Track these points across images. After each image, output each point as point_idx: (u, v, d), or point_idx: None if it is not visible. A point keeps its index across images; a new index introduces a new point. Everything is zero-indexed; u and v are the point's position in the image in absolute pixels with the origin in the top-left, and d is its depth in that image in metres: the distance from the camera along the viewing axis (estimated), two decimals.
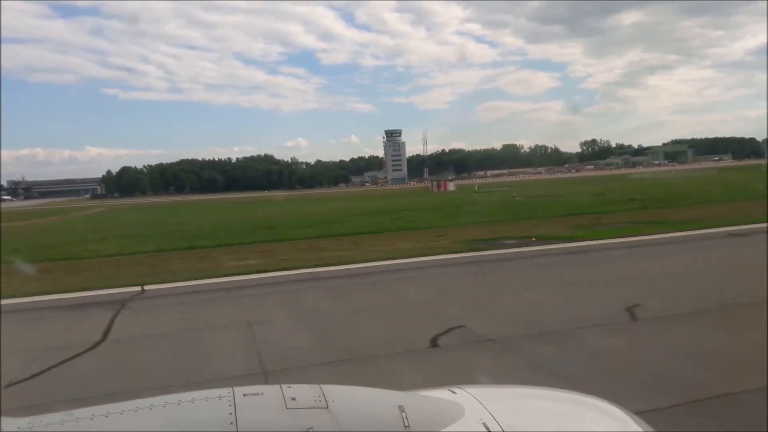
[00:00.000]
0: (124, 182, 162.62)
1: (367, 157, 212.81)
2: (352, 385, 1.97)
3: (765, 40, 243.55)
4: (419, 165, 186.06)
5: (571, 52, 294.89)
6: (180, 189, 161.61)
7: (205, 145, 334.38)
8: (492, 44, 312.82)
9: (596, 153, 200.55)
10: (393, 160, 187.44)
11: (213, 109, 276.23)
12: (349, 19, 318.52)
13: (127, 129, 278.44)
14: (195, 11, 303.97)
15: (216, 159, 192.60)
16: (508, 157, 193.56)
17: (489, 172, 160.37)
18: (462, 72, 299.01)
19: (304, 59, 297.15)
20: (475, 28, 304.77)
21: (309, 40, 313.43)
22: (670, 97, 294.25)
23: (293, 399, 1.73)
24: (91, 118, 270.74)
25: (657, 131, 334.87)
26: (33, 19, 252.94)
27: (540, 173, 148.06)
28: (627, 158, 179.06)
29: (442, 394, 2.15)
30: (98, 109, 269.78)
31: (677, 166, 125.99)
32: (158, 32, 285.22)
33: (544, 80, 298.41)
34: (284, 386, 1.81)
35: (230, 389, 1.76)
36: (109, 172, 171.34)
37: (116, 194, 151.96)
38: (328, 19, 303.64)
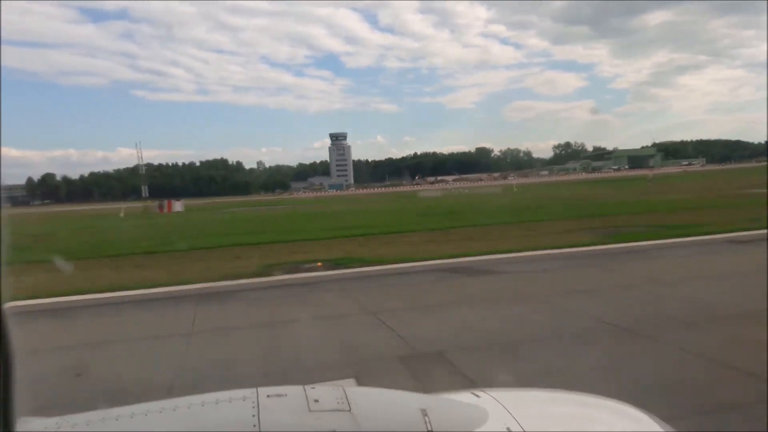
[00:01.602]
0: (46, 189, 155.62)
1: (319, 162, 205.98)
2: (375, 387, 1.98)
3: None
4: (383, 168, 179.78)
5: (597, 53, 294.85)
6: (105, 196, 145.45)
7: (233, 146, 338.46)
8: (517, 46, 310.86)
9: (569, 156, 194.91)
10: (338, 165, 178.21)
11: (240, 110, 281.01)
12: (372, 21, 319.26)
13: (157, 130, 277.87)
14: (221, 14, 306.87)
15: (179, 164, 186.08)
16: (481, 161, 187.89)
17: (440, 177, 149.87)
18: (488, 73, 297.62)
19: (329, 62, 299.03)
20: (500, 29, 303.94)
21: (333, 44, 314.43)
22: (701, 97, 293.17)
23: (316, 401, 1.74)
24: (121, 119, 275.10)
25: (691, 130, 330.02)
26: (63, 24, 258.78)
27: (494, 179, 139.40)
28: (587, 163, 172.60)
29: (465, 397, 2.14)
30: (128, 110, 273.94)
31: (626, 171, 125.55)
32: (186, 36, 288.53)
33: (572, 80, 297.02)
34: (307, 387, 1.82)
35: (254, 390, 1.78)
36: (30, 178, 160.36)
37: (44, 201, 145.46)
38: (351, 21, 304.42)
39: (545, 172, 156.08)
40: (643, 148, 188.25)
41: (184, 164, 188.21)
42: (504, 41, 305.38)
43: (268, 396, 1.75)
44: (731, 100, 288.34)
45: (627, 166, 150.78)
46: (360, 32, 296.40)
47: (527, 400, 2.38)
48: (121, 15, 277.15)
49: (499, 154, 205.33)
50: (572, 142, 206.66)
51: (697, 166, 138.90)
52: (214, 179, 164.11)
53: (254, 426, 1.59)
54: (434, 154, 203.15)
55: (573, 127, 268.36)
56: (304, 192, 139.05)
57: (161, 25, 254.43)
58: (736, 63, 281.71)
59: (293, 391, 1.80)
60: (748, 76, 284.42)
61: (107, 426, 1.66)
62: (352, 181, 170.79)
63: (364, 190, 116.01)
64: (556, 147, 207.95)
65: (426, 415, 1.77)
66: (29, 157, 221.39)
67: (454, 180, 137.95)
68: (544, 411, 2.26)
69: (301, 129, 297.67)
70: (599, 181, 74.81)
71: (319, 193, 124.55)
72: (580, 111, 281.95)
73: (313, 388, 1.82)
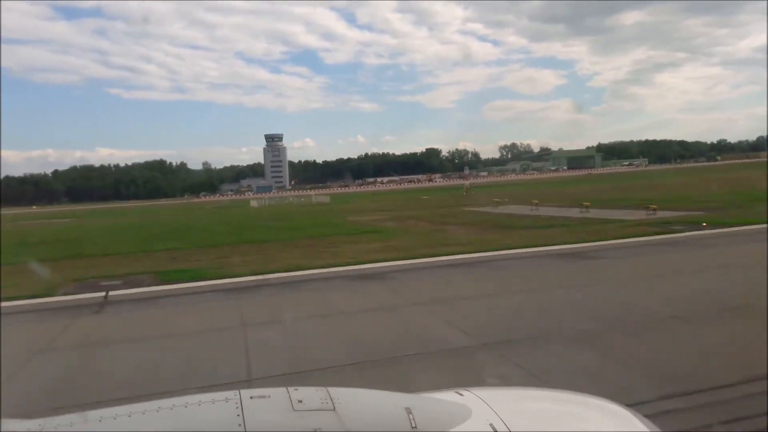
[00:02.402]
0: None
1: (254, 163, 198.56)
2: (359, 388, 1.98)
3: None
4: (326, 170, 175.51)
5: (576, 50, 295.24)
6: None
7: (213, 145, 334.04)
8: (495, 43, 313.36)
9: (514, 157, 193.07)
10: (272, 167, 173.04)
11: (218, 108, 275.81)
12: (350, 19, 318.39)
13: (135, 129, 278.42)
14: (197, 12, 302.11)
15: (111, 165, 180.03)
16: (430, 162, 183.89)
17: (381, 179, 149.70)
18: (467, 70, 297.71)
19: (307, 58, 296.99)
20: (478, 27, 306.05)
21: (311, 40, 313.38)
22: (679, 95, 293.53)
23: (300, 401, 1.74)
24: (98, 118, 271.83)
25: (666, 129, 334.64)
26: (35, 20, 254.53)
27: (433, 180, 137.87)
28: (527, 163, 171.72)
29: (449, 396, 2.15)
30: (103, 109, 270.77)
31: (567, 171, 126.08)
32: (161, 33, 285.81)
33: (551, 78, 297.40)
34: (291, 389, 1.82)
35: (237, 392, 1.78)
36: None
37: None
38: (329, 19, 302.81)
39: (484, 174, 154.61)
40: (587, 149, 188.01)
41: (117, 166, 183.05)
42: (482, 39, 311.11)
43: (251, 397, 1.75)
44: (707, 99, 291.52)
45: (565, 167, 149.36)
46: (337, 29, 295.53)
47: (511, 398, 2.39)
48: (95, 12, 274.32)
49: (447, 155, 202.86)
50: (518, 142, 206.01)
51: (641, 166, 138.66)
52: (135, 181, 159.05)
53: (239, 426, 1.59)
54: (383, 154, 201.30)
55: (552, 126, 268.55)
56: (229, 194, 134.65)
57: (135, 23, 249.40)
58: (712, 60, 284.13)
59: (276, 393, 1.81)
60: (724, 73, 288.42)
61: (89, 428, 1.65)
62: (287, 183, 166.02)
63: (290, 192, 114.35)
64: (502, 148, 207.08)
65: (410, 413, 1.77)
66: (7, 158, 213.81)
67: (388, 181, 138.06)
68: (528, 409, 2.27)
69: (281, 128, 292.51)
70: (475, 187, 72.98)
71: (235, 197, 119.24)
72: (558, 110, 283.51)
73: (297, 389, 1.82)
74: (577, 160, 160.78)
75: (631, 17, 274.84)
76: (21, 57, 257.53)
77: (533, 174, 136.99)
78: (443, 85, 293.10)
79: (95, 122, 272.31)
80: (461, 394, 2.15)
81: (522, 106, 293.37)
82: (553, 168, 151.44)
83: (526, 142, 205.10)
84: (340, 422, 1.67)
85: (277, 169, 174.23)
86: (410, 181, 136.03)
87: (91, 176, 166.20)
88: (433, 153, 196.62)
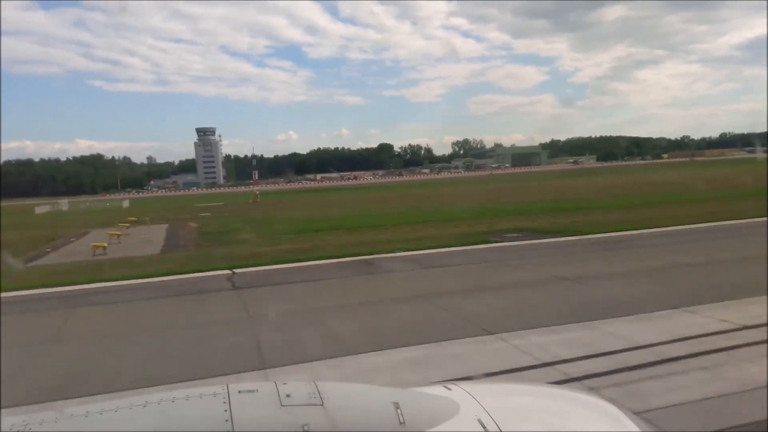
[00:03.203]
0: None
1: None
2: (347, 382, 2.01)
3: (750, 36, 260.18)
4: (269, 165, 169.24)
5: (557, 47, 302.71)
6: None
7: (194, 137, 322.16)
8: (478, 39, 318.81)
9: (465, 153, 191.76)
10: (204, 162, 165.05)
11: (201, 101, 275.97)
12: (333, 12, 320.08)
13: (115, 121, 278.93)
14: (178, 5, 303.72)
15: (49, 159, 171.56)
16: (382, 158, 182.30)
17: (320, 175, 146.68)
18: (451, 66, 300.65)
19: (291, 52, 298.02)
20: (461, 22, 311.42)
21: (294, 34, 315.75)
22: (661, 91, 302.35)
23: (288, 396, 1.74)
24: (78, 110, 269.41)
25: (650, 124, 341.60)
26: (14, 11, 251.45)
27: (378, 177, 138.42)
28: (470, 161, 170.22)
29: (436, 390, 2.17)
30: (85, 101, 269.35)
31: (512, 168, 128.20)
32: (142, 25, 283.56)
33: (533, 74, 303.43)
34: (279, 383, 1.82)
35: (224, 386, 1.77)
36: None
37: None
38: (311, 12, 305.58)
39: (426, 171, 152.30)
40: (543, 146, 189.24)
41: (44, 160, 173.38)
42: (466, 34, 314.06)
43: (239, 392, 1.75)
44: (688, 95, 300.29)
45: (507, 165, 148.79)
46: (320, 22, 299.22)
47: (498, 392, 2.44)
48: (74, 3, 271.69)
49: (399, 150, 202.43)
50: (471, 138, 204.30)
51: (586, 163, 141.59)
52: (54, 177, 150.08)
53: (226, 422, 1.59)
54: (336, 149, 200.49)
55: (536, 120, 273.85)
56: (155, 191, 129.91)
57: (114, 13, 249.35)
58: (691, 58, 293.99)
59: (264, 387, 1.81)
60: (703, 71, 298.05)
61: (75, 424, 1.61)
62: (221, 179, 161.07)
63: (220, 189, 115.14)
64: (454, 144, 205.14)
65: (398, 408, 1.80)
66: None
67: (321, 178, 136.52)
68: (515, 403, 2.30)
69: (264, 121, 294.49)
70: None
71: (156, 193, 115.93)
72: (542, 105, 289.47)
73: (285, 384, 1.83)
74: (523, 157, 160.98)
75: (612, 12, 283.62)
76: (2, 49, 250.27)
77: (459, 172, 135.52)
78: (427, 80, 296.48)
79: (76, 114, 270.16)
80: (449, 389, 2.18)
81: (506, 100, 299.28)
82: (494, 165, 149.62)
83: (479, 138, 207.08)
84: (328, 418, 1.67)
85: (209, 164, 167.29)
86: (349, 178, 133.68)
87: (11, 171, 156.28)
88: (384, 148, 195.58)
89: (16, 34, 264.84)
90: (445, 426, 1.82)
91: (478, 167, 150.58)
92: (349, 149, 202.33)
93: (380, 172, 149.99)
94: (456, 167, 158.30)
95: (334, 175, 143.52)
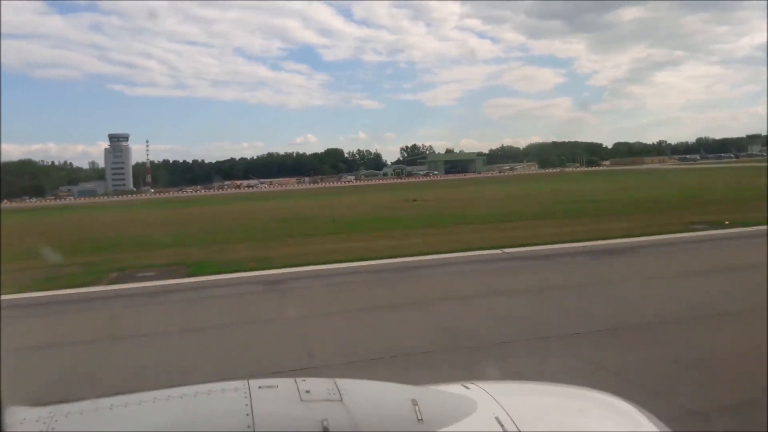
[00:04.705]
0: None
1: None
2: (366, 380, 2.00)
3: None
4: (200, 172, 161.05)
5: (574, 48, 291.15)
6: None
7: (215, 140, 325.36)
8: (494, 40, 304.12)
9: (413, 159, 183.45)
10: (113, 169, 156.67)
11: (220, 105, 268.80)
12: (346, 14, 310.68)
13: (136, 125, 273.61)
14: (191, 8, 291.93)
15: None
16: (329, 162, 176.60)
17: (245, 182, 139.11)
18: (466, 68, 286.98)
19: (306, 55, 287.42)
20: (475, 23, 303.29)
21: (308, 36, 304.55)
22: (679, 94, 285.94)
23: (307, 392, 1.77)
24: (101, 113, 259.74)
25: (668, 128, 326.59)
26: (31, 16, 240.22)
27: (317, 183, 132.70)
28: (400, 167, 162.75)
29: (454, 389, 2.19)
30: (105, 104, 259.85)
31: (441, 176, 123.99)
32: (157, 29, 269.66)
33: (550, 76, 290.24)
34: (299, 379, 1.85)
35: (245, 381, 1.80)
36: None
37: None
38: (325, 14, 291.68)
39: (350, 178, 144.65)
40: (480, 152, 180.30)
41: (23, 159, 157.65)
42: (480, 35, 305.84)
43: (259, 387, 1.78)
44: (708, 97, 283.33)
45: (436, 172, 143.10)
46: (334, 24, 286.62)
47: (516, 392, 2.46)
48: (89, 7, 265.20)
49: (347, 156, 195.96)
50: (419, 144, 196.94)
51: (522, 169, 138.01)
52: None
53: (247, 416, 1.62)
54: (286, 154, 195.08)
55: (553, 124, 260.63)
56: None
57: (130, 17, 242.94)
58: (712, 59, 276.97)
59: (284, 383, 1.84)
60: (724, 72, 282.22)
61: (100, 416, 1.66)
62: (131, 185, 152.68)
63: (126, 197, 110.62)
64: (403, 149, 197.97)
65: (416, 405, 1.82)
66: (8, 151, 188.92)
67: (247, 185, 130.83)
68: (532, 402, 2.33)
69: (282, 124, 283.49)
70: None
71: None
72: (559, 108, 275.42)
73: (304, 380, 1.86)
74: (460, 163, 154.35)
75: (629, 13, 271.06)
76: (21, 52, 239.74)
77: (371, 180, 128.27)
78: (443, 83, 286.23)
79: (98, 117, 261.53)
80: (467, 387, 2.19)
81: (522, 103, 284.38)
82: (422, 173, 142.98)
83: (428, 143, 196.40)
84: (347, 413, 1.70)
85: (118, 171, 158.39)
86: (267, 184, 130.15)
87: None
88: (332, 153, 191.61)
89: (34, 38, 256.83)
90: (463, 424, 1.85)
91: (409, 174, 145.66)
92: (304, 153, 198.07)
93: (306, 179, 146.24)
94: (384, 174, 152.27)
95: (253, 181, 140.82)
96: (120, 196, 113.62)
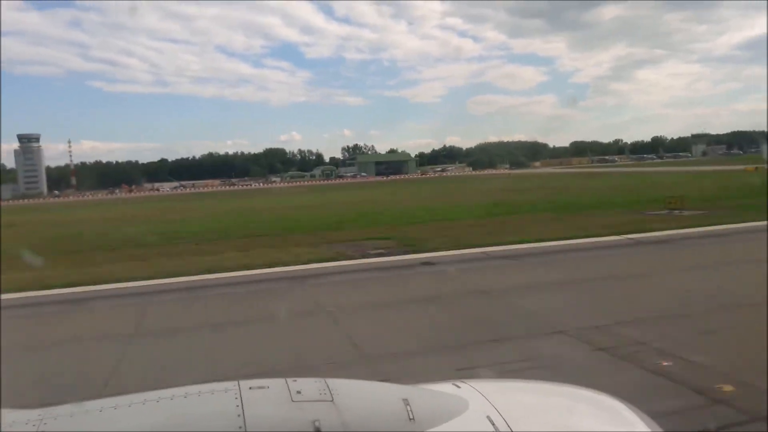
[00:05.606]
0: None
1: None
2: (357, 379, 2.00)
3: (750, 35, 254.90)
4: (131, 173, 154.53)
5: (555, 46, 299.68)
6: None
7: (198, 138, 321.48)
8: (475, 38, 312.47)
9: (354, 159, 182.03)
10: (26, 172, 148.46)
11: (201, 101, 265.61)
12: (328, 12, 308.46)
13: (117, 122, 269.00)
14: (171, 5, 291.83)
15: None
16: (270, 162, 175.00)
17: (167, 185, 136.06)
18: (449, 66, 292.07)
19: (288, 52, 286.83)
20: (457, 22, 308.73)
21: (290, 33, 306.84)
22: (662, 91, 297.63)
23: (299, 392, 1.76)
24: (80, 110, 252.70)
25: (653, 125, 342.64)
26: (7, 12, 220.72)
27: (233, 184, 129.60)
28: (330, 168, 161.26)
29: (446, 388, 2.19)
30: (85, 101, 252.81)
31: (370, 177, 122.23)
32: (137, 25, 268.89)
33: (533, 74, 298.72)
34: (289, 380, 1.83)
35: (236, 383, 1.77)
36: None
37: None
38: (305, 11, 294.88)
39: (276, 179, 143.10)
40: (419, 152, 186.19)
41: None
42: (462, 34, 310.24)
43: (250, 388, 1.76)
44: (689, 95, 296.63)
45: (364, 173, 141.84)
46: (316, 22, 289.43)
47: (507, 390, 2.47)
48: (67, 4, 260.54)
49: (289, 155, 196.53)
50: (362, 144, 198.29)
51: (454, 171, 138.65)
52: None
53: (238, 417, 1.61)
54: (226, 154, 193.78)
55: (537, 121, 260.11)
56: None
57: (109, 13, 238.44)
58: (692, 58, 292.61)
59: (275, 384, 1.82)
60: (704, 70, 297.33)
61: (89, 418, 1.64)
62: (44, 189, 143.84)
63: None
64: (344, 149, 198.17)
65: (408, 404, 1.82)
66: None
67: (151, 188, 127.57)
68: (523, 400, 2.34)
69: (266, 122, 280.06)
70: None
71: None
72: (542, 105, 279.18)
73: (295, 380, 1.84)
74: (394, 164, 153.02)
75: (609, 12, 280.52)
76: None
77: (298, 182, 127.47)
78: (426, 80, 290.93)
79: (78, 115, 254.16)
80: (458, 386, 2.20)
81: (505, 101, 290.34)
82: (349, 175, 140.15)
83: (371, 144, 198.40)
84: (338, 413, 1.69)
85: (31, 174, 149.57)
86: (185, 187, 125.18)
87: None
88: (273, 153, 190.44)
89: (12, 35, 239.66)
90: (455, 423, 1.85)
91: (340, 176, 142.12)
92: (248, 153, 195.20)
93: (235, 180, 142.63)
94: (312, 176, 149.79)
95: (175, 184, 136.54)
96: (27, 200, 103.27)
